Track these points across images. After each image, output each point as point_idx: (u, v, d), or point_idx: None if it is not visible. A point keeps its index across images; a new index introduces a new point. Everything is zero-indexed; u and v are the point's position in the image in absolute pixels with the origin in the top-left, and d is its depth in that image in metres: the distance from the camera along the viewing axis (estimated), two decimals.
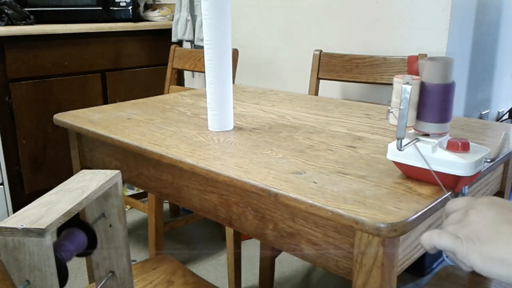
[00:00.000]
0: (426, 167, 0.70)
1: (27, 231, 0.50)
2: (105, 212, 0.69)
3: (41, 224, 0.51)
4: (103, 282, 0.70)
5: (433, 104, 0.69)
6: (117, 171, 0.68)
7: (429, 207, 0.67)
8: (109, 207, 0.68)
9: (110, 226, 0.69)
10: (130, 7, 2.50)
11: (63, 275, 0.56)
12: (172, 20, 2.46)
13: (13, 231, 0.50)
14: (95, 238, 0.66)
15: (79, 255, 0.66)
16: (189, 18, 2.38)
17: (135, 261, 0.73)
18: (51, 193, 0.59)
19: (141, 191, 2.53)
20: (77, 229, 0.64)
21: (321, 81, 1.75)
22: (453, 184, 0.70)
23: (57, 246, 0.59)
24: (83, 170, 0.68)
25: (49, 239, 0.52)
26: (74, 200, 0.57)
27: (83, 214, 0.67)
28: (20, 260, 0.51)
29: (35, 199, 0.57)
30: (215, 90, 1.04)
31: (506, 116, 2.22)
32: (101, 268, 0.71)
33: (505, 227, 0.49)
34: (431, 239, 0.54)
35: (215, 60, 1.02)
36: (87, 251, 0.66)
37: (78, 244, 0.63)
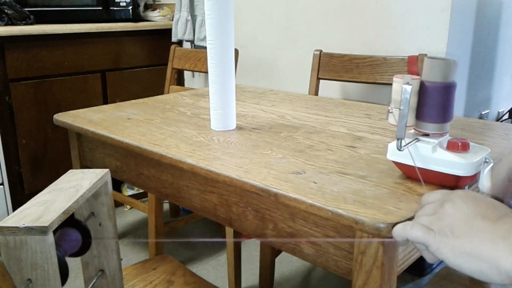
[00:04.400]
0: (425, 167, 0.70)
1: (29, 230, 0.50)
2: (95, 211, 0.69)
3: (44, 222, 0.51)
4: (94, 281, 0.71)
5: (433, 104, 0.69)
6: (106, 170, 0.68)
7: None
8: (98, 206, 0.69)
9: (100, 224, 0.69)
10: (130, 7, 2.50)
11: (63, 272, 0.56)
12: (172, 20, 2.46)
13: (14, 230, 0.50)
14: (89, 237, 0.66)
15: (74, 255, 0.66)
16: (189, 18, 2.38)
17: (121, 259, 0.74)
18: (44, 193, 0.60)
19: (141, 191, 2.54)
20: (71, 228, 0.64)
21: (321, 81, 1.76)
22: (453, 184, 0.70)
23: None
24: (71, 170, 0.68)
25: (52, 237, 0.52)
26: (70, 199, 0.57)
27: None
28: (22, 259, 0.51)
29: None
30: (218, 90, 1.04)
31: (506, 116, 2.22)
32: (91, 267, 0.71)
33: (480, 222, 0.48)
34: (404, 230, 0.53)
35: (218, 60, 1.02)
36: (82, 250, 0.66)
37: (73, 243, 0.63)
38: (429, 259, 0.53)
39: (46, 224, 0.51)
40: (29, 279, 0.52)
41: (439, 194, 0.56)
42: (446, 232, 0.50)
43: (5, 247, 0.51)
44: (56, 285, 0.53)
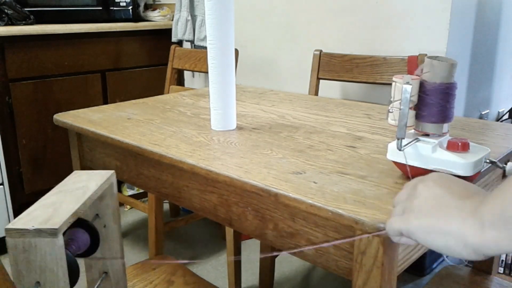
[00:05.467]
0: (425, 167, 0.70)
1: (39, 232, 0.50)
2: (100, 213, 0.68)
3: (53, 224, 0.50)
4: (97, 283, 0.70)
5: (433, 104, 0.69)
6: (112, 171, 0.67)
7: None
8: (103, 207, 0.68)
9: (105, 226, 0.69)
10: (130, 7, 2.50)
11: (74, 273, 0.56)
12: (172, 20, 2.46)
13: (23, 232, 0.50)
14: (98, 237, 0.66)
15: (81, 255, 0.66)
16: (189, 18, 2.38)
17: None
18: (50, 195, 0.59)
19: (141, 191, 2.54)
20: (80, 229, 0.64)
21: (321, 81, 1.76)
22: None
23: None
24: (76, 171, 0.68)
25: (61, 239, 0.51)
26: (78, 200, 0.57)
27: None
28: (31, 262, 0.51)
29: (35, 199, 0.56)
30: (218, 90, 1.04)
31: (506, 116, 2.22)
32: (94, 269, 0.71)
33: (449, 199, 0.49)
34: (392, 229, 0.54)
35: (218, 60, 1.02)
36: (89, 250, 0.66)
37: (82, 243, 0.63)
38: (406, 242, 0.54)
39: (56, 226, 0.50)
40: (38, 282, 0.51)
41: (415, 179, 0.57)
42: (414, 210, 0.51)
43: (13, 250, 0.50)
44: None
